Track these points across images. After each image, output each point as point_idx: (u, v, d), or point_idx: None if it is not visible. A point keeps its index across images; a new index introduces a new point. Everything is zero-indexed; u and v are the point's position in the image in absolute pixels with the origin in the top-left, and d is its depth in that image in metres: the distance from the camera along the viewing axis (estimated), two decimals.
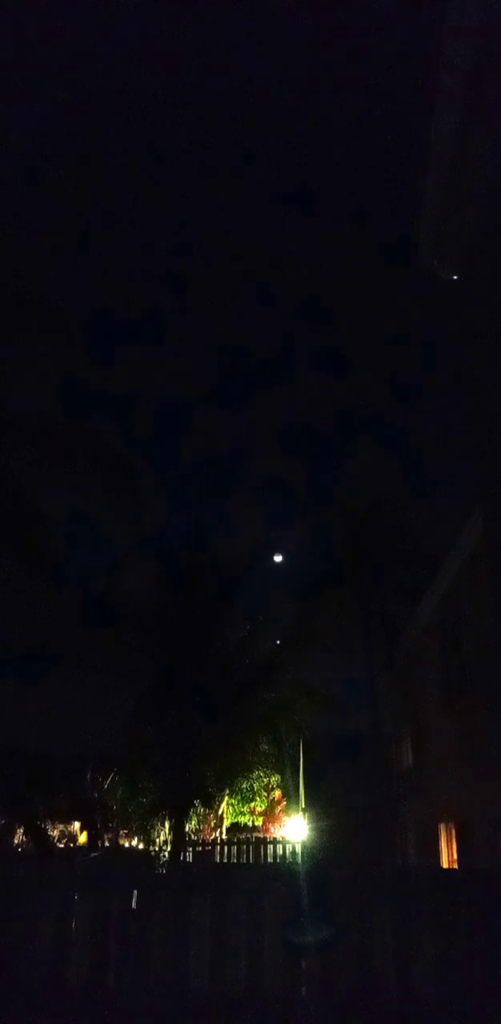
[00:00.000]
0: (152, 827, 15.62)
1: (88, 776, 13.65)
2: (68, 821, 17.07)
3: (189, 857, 15.99)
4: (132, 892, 5.64)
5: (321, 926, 5.06)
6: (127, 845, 18.63)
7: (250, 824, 21.41)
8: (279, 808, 21.59)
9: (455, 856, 10.76)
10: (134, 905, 5.60)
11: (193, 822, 19.12)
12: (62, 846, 17.12)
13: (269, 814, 21.74)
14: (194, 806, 15.80)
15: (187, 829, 17.17)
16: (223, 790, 18.17)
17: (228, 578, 14.56)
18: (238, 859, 16.22)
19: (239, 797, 20.54)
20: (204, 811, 18.60)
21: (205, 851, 17.29)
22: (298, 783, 18.89)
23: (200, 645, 13.66)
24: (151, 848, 15.97)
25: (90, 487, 10.82)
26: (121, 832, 18.08)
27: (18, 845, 15.87)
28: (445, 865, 11.14)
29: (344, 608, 18.95)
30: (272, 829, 21.08)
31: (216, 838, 20.15)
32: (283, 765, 18.21)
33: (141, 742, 12.96)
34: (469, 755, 10.39)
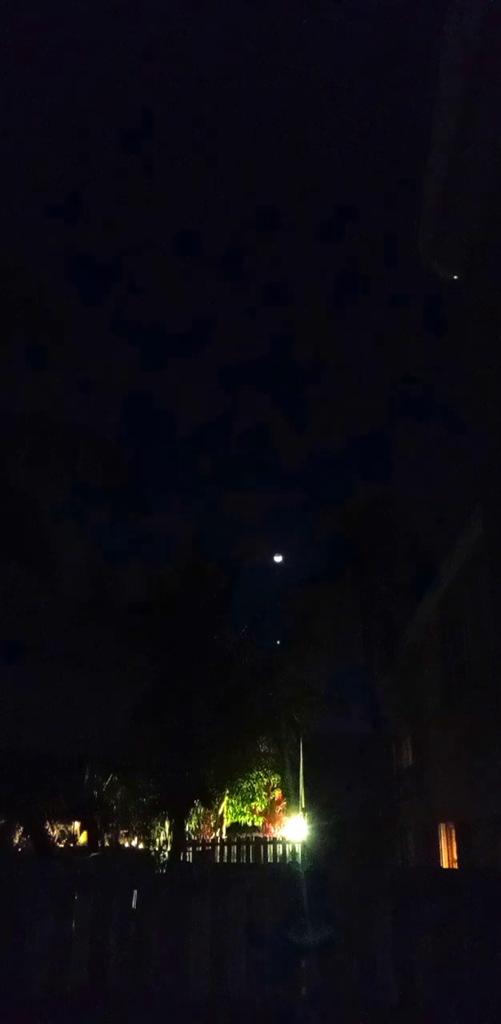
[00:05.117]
0: (152, 827, 15.62)
1: (87, 776, 13.65)
2: (68, 821, 17.04)
3: (189, 857, 15.98)
4: (132, 892, 5.64)
5: (321, 926, 5.06)
6: (127, 845, 18.62)
7: (250, 824, 21.41)
8: (279, 808, 21.58)
9: (455, 856, 10.75)
10: (134, 905, 5.60)
11: (193, 822, 19.11)
12: (62, 846, 17.10)
13: (269, 814, 21.73)
14: (194, 806, 15.81)
15: (187, 829, 17.16)
16: (223, 790, 18.17)
17: (228, 578, 14.56)
18: (238, 859, 16.21)
19: (239, 797, 20.55)
20: (204, 811, 18.60)
21: (205, 851, 17.29)
22: (298, 783, 18.88)
23: (200, 645, 13.66)
24: (151, 848, 15.97)
25: (90, 487, 10.82)
26: (121, 832, 18.07)
27: (18, 845, 15.86)
28: (445, 865, 11.14)
29: (344, 608, 18.97)
30: (272, 829, 21.07)
31: (216, 838, 20.14)
32: (283, 765, 18.22)
33: (141, 742, 12.96)
34: (469, 755, 10.38)
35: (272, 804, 21.73)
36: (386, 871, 9.37)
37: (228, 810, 21.26)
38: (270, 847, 16.70)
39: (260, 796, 20.89)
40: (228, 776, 16.10)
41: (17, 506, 10.27)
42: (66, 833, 18.08)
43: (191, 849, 16.74)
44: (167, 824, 14.68)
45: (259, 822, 21.58)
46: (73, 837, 18.29)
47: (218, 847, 17.84)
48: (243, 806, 21.21)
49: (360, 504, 20.09)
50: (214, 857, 16.83)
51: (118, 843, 18.05)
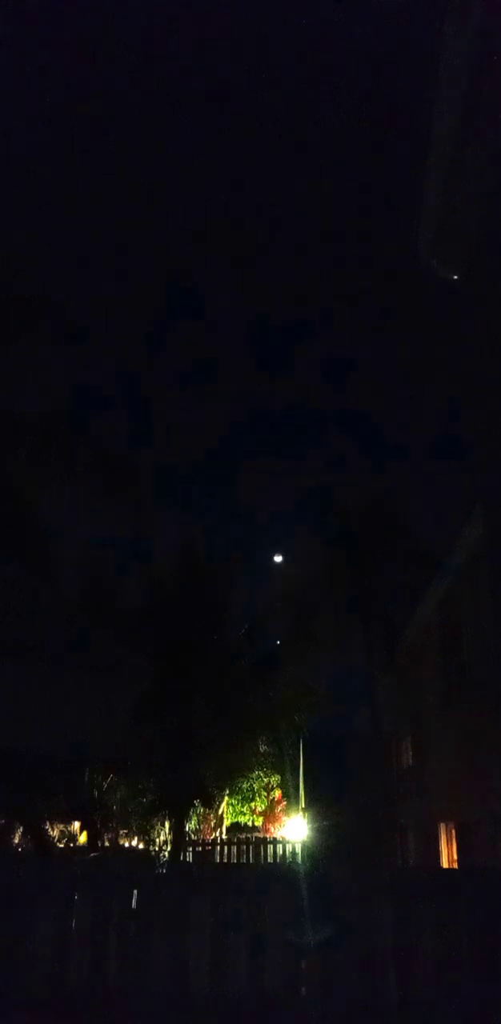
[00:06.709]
0: (152, 827, 15.63)
1: (87, 776, 13.66)
2: (68, 821, 17.06)
3: (189, 857, 15.99)
4: (132, 892, 5.64)
5: (321, 926, 5.06)
6: (127, 845, 18.62)
7: (250, 824, 21.42)
8: (279, 808, 21.59)
9: (455, 856, 10.76)
10: (134, 905, 5.59)
11: (193, 822, 19.13)
12: (62, 846, 17.10)
13: (269, 814, 21.74)
14: (194, 806, 15.82)
15: (187, 829, 17.18)
16: (223, 790, 18.20)
17: (228, 577, 14.57)
18: (238, 859, 16.21)
19: (239, 797, 20.57)
20: (204, 811, 18.62)
21: (205, 851, 17.29)
22: (298, 783, 18.89)
23: (200, 645, 13.67)
24: (151, 848, 15.99)
25: (90, 488, 10.82)
26: (121, 832, 18.08)
27: (18, 845, 15.87)
28: (445, 865, 11.14)
29: (344, 607, 18.94)
30: (272, 829, 21.08)
31: (216, 838, 20.15)
32: (283, 765, 18.23)
33: (141, 742, 12.96)
34: (469, 755, 10.39)
35: (272, 804, 21.74)
36: (386, 871, 9.37)
37: (228, 810, 21.27)
38: (270, 847, 16.69)
39: (260, 796, 20.90)
40: (228, 776, 16.12)
41: (17, 506, 10.27)
42: (66, 833, 18.10)
43: (191, 849, 16.75)
44: (167, 824, 14.69)
45: (259, 822, 21.59)
46: (73, 837, 18.30)
47: (218, 847, 17.84)
48: (243, 806, 21.23)
49: (360, 504, 20.03)
50: (214, 857, 16.83)
51: (118, 843, 18.06)
